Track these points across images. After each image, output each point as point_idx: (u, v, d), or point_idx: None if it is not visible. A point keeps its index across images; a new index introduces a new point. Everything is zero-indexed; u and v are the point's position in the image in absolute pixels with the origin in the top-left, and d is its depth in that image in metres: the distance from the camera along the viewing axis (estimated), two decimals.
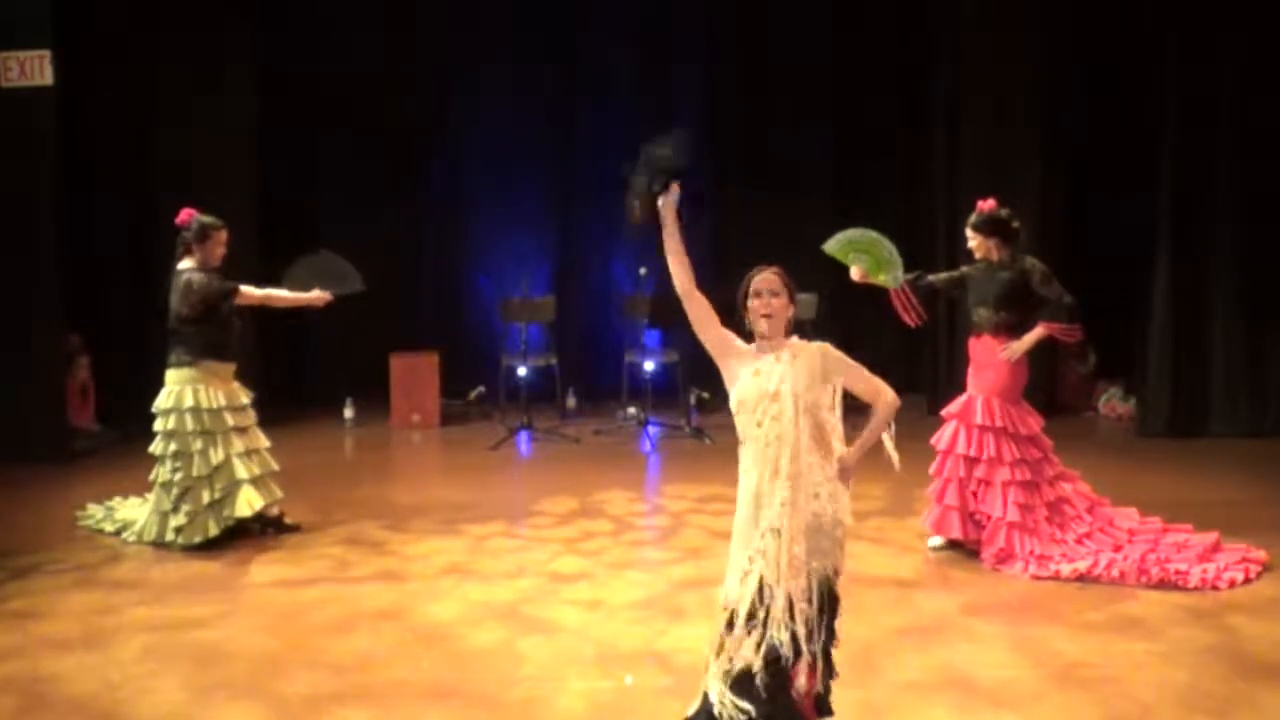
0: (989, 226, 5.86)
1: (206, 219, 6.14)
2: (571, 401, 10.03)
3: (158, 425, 6.10)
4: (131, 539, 6.23)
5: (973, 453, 5.83)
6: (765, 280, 3.58)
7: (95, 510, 6.70)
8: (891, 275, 5.82)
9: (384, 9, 10.30)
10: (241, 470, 6.09)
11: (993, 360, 5.87)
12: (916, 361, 10.34)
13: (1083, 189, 9.71)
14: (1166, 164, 8.56)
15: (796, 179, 10.22)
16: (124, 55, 9.10)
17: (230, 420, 6.11)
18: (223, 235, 6.17)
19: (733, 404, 3.53)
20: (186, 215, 6.16)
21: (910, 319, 5.94)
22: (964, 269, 6.11)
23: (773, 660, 3.35)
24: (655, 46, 10.33)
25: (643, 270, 8.96)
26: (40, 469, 7.84)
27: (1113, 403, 9.63)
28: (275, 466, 6.38)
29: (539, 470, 8.22)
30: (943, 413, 6.19)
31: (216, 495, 6.04)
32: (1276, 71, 8.32)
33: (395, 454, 8.92)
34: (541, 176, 10.47)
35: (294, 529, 6.41)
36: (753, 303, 3.57)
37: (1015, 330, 5.83)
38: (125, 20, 9.08)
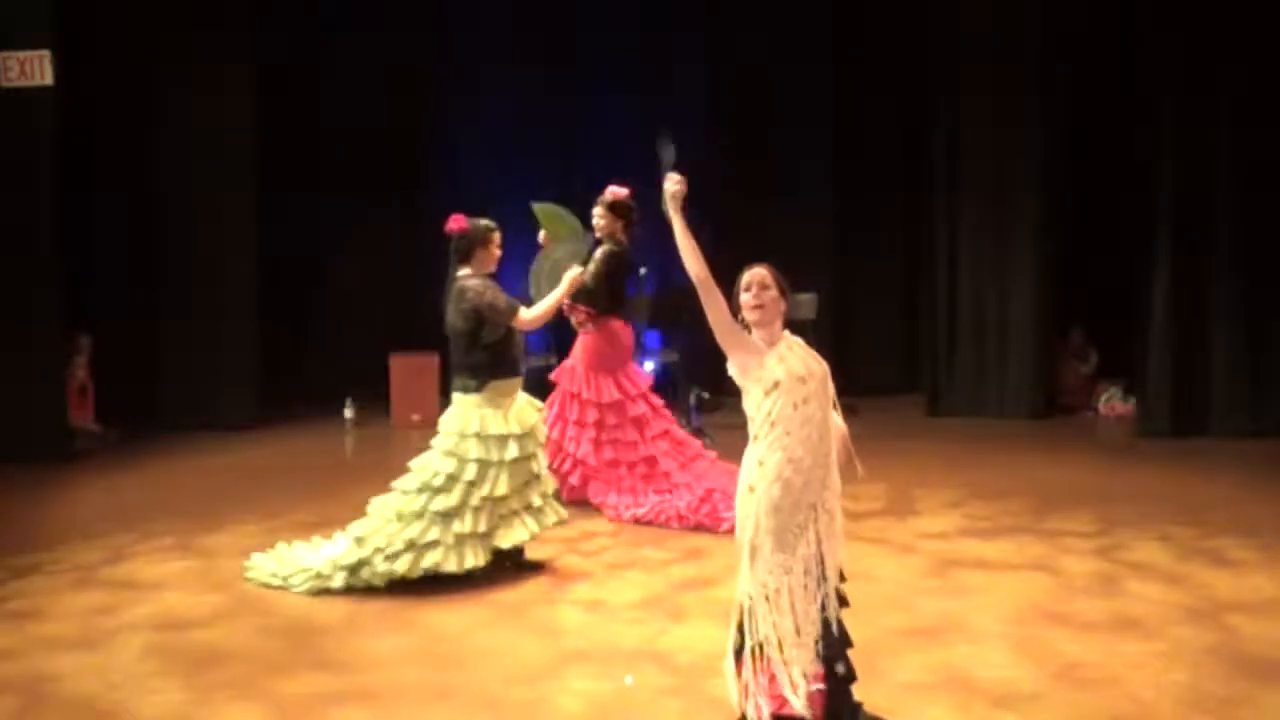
0: (618, 209, 6.66)
1: (483, 222, 5.59)
2: None
3: (442, 447, 5.49)
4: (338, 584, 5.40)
5: (572, 416, 6.71)
6: (755, 275, 3.68)
7: (268, 567, 5.66)
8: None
9: (384, 9, 10.31)
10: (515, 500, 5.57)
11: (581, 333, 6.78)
12: (915, 361, 10.36)
13: (1083, 189, 9.72)
14: (1167, 164, 8.56)
15: (796, 179, 10.23)
16: (124, 55, 9.11)
17: (515, 449, 5.50)
18: (498, 237, 5.63)
19: (763, 387, 3.61)
20: (459, 222, 5.57)
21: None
22: None
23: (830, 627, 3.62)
24: (655, 46, 10.34)
25: (642, 270, 8.94)
26: (40, 469, 7.84)
27: (1113, 402, 9.63)
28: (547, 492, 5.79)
29: None
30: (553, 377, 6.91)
31: (487, 524, 5.45)
32: (1277, 72, 8.32)
33: (395, 454, 8.88)
34: (541, 176, 10.47)
35: (536, 567, 5.76)
36: (744, 297, 3.66)
37: (592, 305, 6.66)
38: (125, 20, 9.09)
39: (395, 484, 5.51)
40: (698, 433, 8.86)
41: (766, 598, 3.62)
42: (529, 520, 5.61)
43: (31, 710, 4.15)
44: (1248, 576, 5.41)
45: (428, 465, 5.46)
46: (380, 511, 5.48)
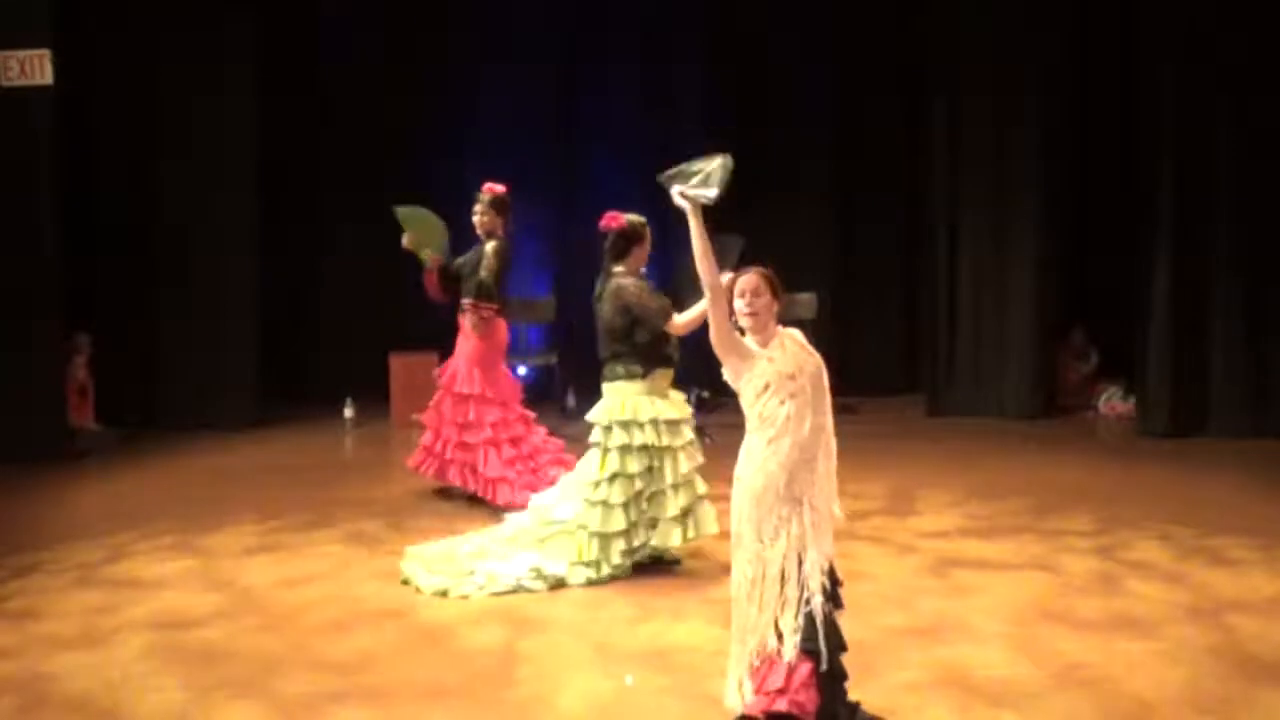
0: (499, 205, 6.71)
1: (637, 218, 5.63)
2: (572, 401, 10.01)
3: (613, 440, 5.47)
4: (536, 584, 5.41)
5: (459, 418, 6.73)
6: (748, 282, 3.79)
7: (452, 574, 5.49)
8: (429, 254, 6.78)
9: (384, 9, 10.31)
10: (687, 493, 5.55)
11: (467, 330, 6.78)
12: (916, 361, 10.35)
13: (1083, 189, 9.71)
14: (1166, 164, 8.55)
15: (796, 179, 10.23)
16: (124, 55, 9.11)
17: (687, 433, 5.58)
18: (648, 232, 5.73)
19: (754, 389, 3.73)
20: (617, 219, 5.60)
21: (436, 296, 6.92)
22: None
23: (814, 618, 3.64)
24: (655, 46, 10.33)
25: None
26: (40, 469, 7.83)
27: (1113, 402, 9.63)
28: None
29: None
30: (437, 374, 7.00)
31: (674, 513, 5.47)
32: (1276, 71, 8.32)
33: (395, 454, 8.90)
34: (541, 176, 10.47)
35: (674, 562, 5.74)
36: (737, 304, 3.78)
37: (493, 302, 6.72)
38: (125, 20, 9.09)
39: (589, 496, 5.49)
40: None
41: (744, 589, 3.71)
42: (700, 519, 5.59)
43: (31, 710, 4.15)
44: (1248, 576, 5.41)
45: (621, 470, 5.44)
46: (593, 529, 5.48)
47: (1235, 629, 4.73)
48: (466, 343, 6.82)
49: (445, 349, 9.76)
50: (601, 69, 10.35)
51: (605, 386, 5.59)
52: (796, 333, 3.87)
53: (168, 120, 9.18)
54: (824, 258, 10.26)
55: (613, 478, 5.45)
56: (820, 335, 9.51)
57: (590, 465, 5.57)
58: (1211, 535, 6.02)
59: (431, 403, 6.99)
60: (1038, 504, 6.72)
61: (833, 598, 3.72)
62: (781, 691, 3.58)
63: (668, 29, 10.33)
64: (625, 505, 5.44)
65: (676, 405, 5.58)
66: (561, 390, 9.98)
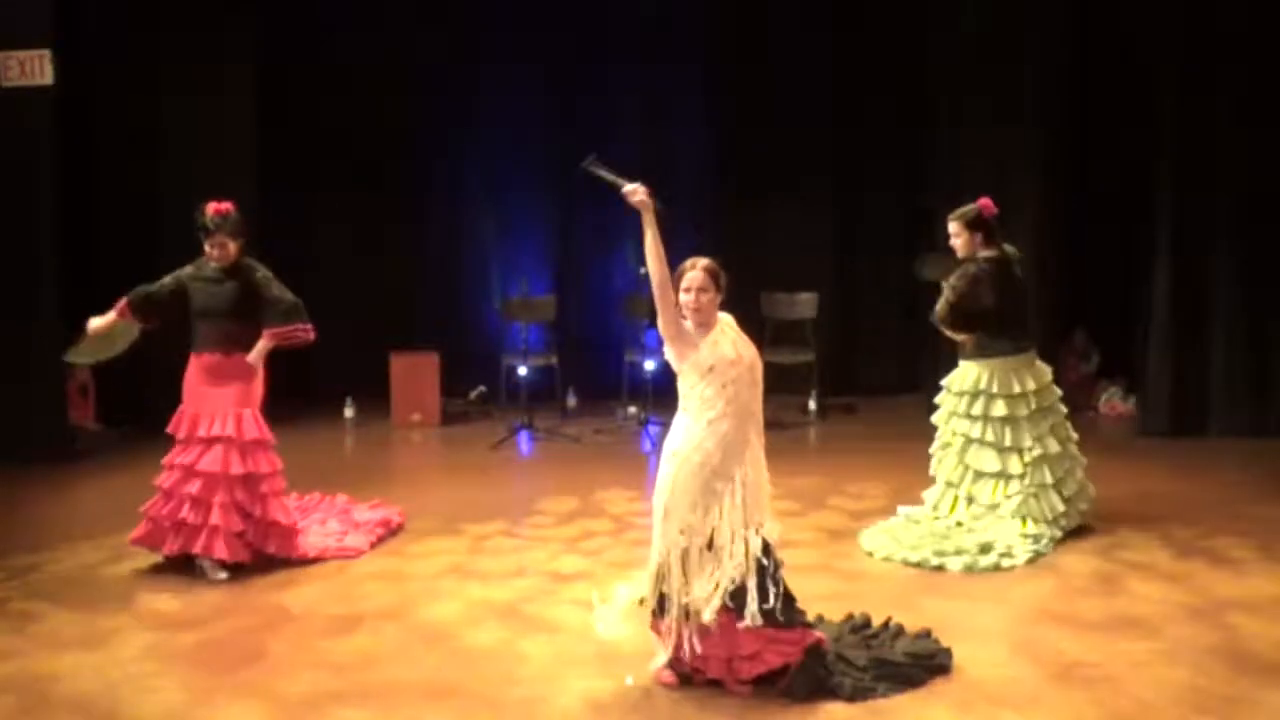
0: (240, 228, 5.77)
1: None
2: (572, 401, 10.03)
3: (1016, 411, 6.00)
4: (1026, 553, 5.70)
5: (246, 469, 5.78)
6: (694, 279, 4.11)
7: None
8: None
9: (384, 9, 10.30)
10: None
11: (241, 373, 5.83)
12: (916, 362, 10.35)
13: (1083, 189, 9.71)
14: (1167, 165, 8.55)
15: (796, 179, 10.22)
16: (124, 55, 9.10)
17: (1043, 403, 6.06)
18: None
19: (699, 371, 4.06)
20: (990, 204, 6.08)
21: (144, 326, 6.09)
22: (180, 274, 5.91)
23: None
24: (655, 46, 10.33)
25: (643, 270, 8.94)
26: (40, 469, 7.83)
27: (1113, 402, 9.63)
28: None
29: (539, 469, 8.22)
30: (190, 434, 5.95)
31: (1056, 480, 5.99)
32: (1276, 72, 8.31)
33: (395, 453, 8.92)
34: (541, 176, 10.46)
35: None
36: (683, 297, 4.11)
37: (248, 340, 5.82)
38: (125, 20, 9.08)
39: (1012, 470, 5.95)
40: None
41: (677, 558, 4.01)
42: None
43: (31, 710, 4.15)
44: (1248, 576, 5.42)
45: (1014, 440, 5.94)
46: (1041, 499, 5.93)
47: (1235, 629, 4.74)
48: (228, 386, 5.87)
49: (445, 349, 9.84)
50: (601, 69, 10.34)
51: (1025, 356, 6.06)
52: (732, 320, 4.17)
53: (168, 120, 9.18)
54: (825, 257, 10.26)
55: (1031, 445, 5.93)
56: (820, 335, 9.59)
57: (1004, 438, 5.98)
58: (1211, 535, 6.03)
59: (182, 466, 5.93)
60: None
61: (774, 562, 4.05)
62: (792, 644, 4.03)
63: (668, 29, 10.33)
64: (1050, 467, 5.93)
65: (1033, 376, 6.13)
66: (562, 389, 9.99)
